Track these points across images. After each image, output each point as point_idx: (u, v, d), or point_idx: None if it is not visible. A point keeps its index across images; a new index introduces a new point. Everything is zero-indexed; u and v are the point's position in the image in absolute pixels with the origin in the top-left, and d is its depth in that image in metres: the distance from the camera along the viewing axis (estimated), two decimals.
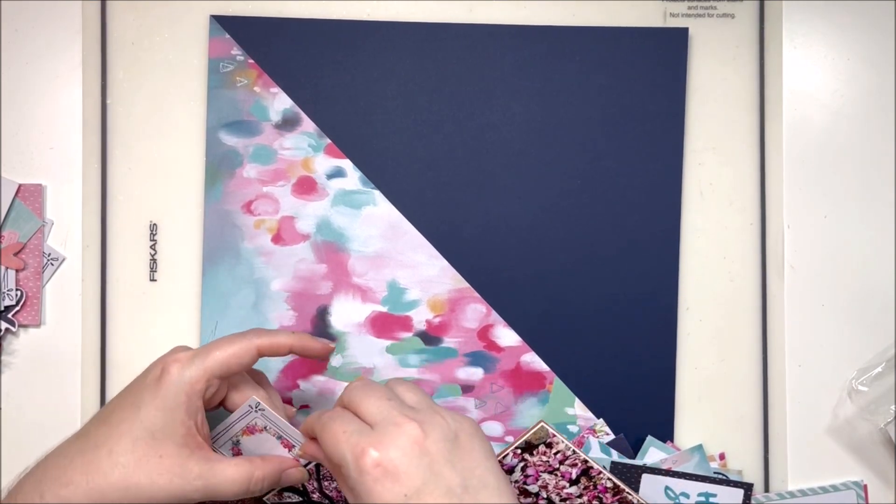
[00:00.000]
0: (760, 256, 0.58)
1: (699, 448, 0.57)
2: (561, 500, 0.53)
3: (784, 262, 0.58)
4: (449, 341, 0.58)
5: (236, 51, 0.58)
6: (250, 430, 0.49)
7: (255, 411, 0.49)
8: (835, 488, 0.57)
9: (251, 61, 0.58)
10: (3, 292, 0.57)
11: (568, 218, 0.58)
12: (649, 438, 0.57)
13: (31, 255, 0.57)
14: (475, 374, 0.58)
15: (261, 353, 0.48)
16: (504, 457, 0.52)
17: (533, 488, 0.53)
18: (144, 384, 0.47)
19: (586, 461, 0.53)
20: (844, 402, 0.57)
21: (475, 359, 0.58)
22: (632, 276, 0.58)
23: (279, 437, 0.49)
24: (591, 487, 0.53)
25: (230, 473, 0.46)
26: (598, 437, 0.57)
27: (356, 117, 0.58)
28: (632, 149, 0.58)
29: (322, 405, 0.57)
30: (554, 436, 0.52)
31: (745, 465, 0.57)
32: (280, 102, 0.58)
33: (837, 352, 0.58)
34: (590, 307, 0.57)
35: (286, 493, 0.53)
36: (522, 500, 0.53)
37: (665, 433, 0.57)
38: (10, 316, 0.57)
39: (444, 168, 0.58)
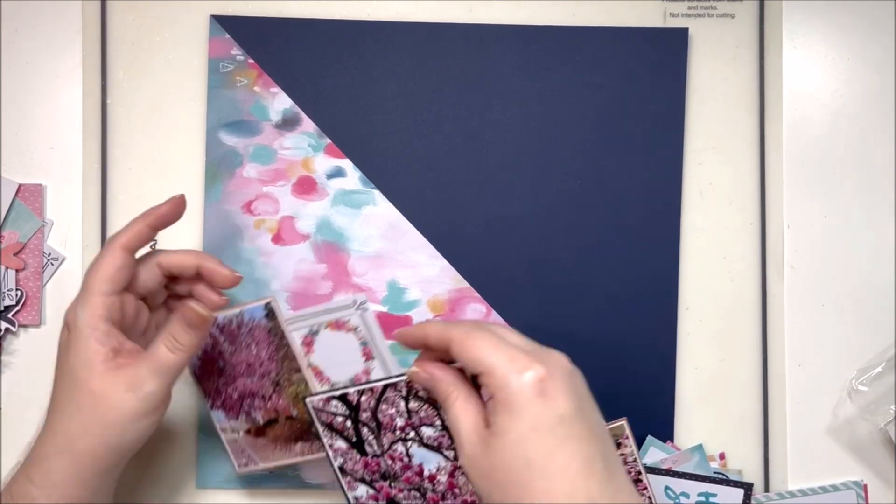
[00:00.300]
0: (760, 256, 0.58)
1: (699, 448, 0.57)
2: None
3: (784, 262, 0.58)
4: None
5: (236, 51, 0.58)
6: (337, 326, 0.48)
7: (356, 308, 0.47)
8: (835, 488, 0.57)
9: (251, 61, 0.58)
10: (3, 292, 0.57)
11: (568, 218, 0.58)
12: (649, 438, 0.57)
13: (31, 255, 0.57)
14: None
15: (162, 268, 0.50)
16: None
17: None
18: (60, 350, 0.48)
19: (640, 473, 0.53)
20: (844, 402, 0.57)
21: None
22: (632, 276, 0.58)
23: (364, 345, 0.48)
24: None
25: (147, 361, 0.47)
26: None
27: (356, 117, 0.58)
28: (632, 149, 0.58)
29: None
30: (626, 438, 0.52)
31: (745, 465, 0.57)
32: (280, 102, 0.58)
33: (837, 352, 0.58)
34: (590, 307, 0.57)
35: (333, 402, 0.49)
36: None
37: (665, 433, 0.57)
38: (10, 316, 0.57)
39: (444, 168, 0.58)
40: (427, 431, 0.49)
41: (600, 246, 0.58)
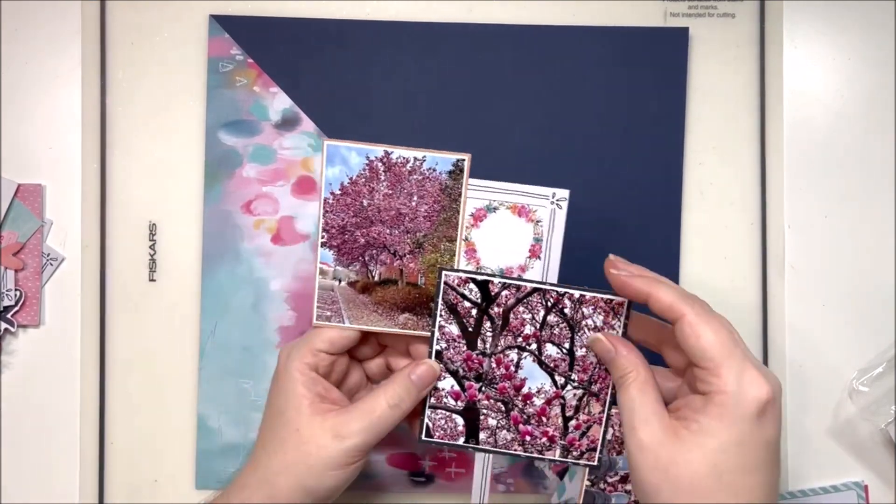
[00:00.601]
0: (761, 256, 0.58)
1: None
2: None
3: (785, 262, 0.58)
4: None
5: (235, 50, 0.58)
6: (520, 212, 0.46)
7: (552, 202, 0.45)
8: (835, 489, 0.57)
9: (250, 61, 0.58)
10: (3, 292, 0.57)
11: (568, 217, 0.58)
12: None
13: (30, 255, 0.57)
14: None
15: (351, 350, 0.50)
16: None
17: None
18: (272, 386, 0.49)
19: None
20: (845, 402, 0.57)
21: None
22: None
23: (537, 241, 0.45)
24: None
25: (360, 412, 0.46)
26: None
27: (356, 117, 0.58)
28: (632, 148, 0.58)
29: None
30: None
31: None
32: (280, 102, 0.58)
33: (838, 352, 0.58)
34: None
35: (470, 285, 0.46)
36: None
37: None
38: (9, 316, 0.57)
39: None
40: (550, 349, 0.46)
41: (600, 246, 0.58)
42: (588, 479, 0.49)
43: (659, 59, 0.58)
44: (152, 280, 0.58)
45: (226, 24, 0.58)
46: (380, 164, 0.47)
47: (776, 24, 0.59)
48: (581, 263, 0.57)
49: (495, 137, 0.58)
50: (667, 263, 0.58)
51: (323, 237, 0.48)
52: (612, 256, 0.45)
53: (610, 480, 0.49)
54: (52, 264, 0.58)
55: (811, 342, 0.58)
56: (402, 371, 0.47)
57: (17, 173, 0.58)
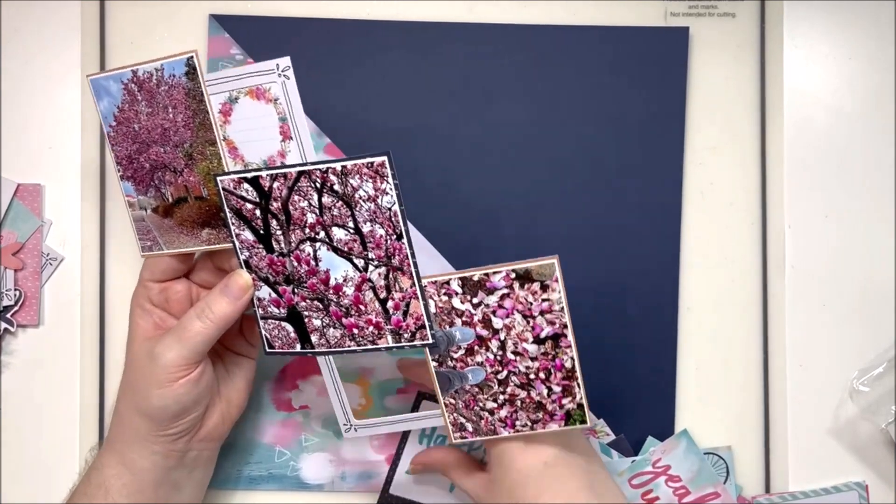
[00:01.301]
0: (761, 256, 0.58)
1: (684, 433, 0.56)
2: (513, 351, 0.46)
3: (785, 262, 0.58)
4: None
5: (235, 50, 0.58)
6: (257, 94, 0.44)
7: (279, 74, 0.44)
8: (836, 489, 0.57)
9: (250, 60, 0.58)
10: (2, 292, 0.57)
11: (568, 217, 0.58)
12: (649, 439, 0.57)
13: (29, 255, 0.57)
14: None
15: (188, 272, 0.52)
16: (495, 273, 0.45)
17: (497, 323, 0.46)
18: None
19: (566, 326, 0.45)
20: (846, 402, 0.57)
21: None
22: (632, 276, 0.57)
23: (282, 120, 0.44)
24: (550, 357, 0.46)
25: (174, 330, 0.48)
26: (598, 437, 0.57)
27: (356, 117, 0.58)
28: (632, 148, 0.58)
29: (322, 405, 0.57)
30: (556, 281, 0.45)
31: (747, 465, 0.57)
32: None
33: (839, 352, 0.58)
34: (590, 307, 0.57)
35: (244, 186, 0.45)
36: (478, 332, 0.46)
37: (665, 433, 0.57)
38: (8, 316, 0.57)
39: (445, 168, 0.58)
40: (338, 233, 0.44)
41: (600, 246, 0.58)
42: (434, 361, 0.47)
43: (659, 58, 0.58)
44: None
45: (226, 23, 0.58)
46: (133, 85, 0.46)
47: (776, 23, 0.59)
48: (581, 262, 0.58)
49: (495, 137, 0.58)
50: (667, 263, 0.58)
51: (118, 170, 0.48)
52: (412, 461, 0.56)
53: (456, 356, 0.46)
54: (51, 264, 0.58)
55: (812, 342, 0.58)
56: (217, 285, 0.48)
57: (17, 173, 0.58)
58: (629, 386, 0.57)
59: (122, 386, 0.50)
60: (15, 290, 0.57)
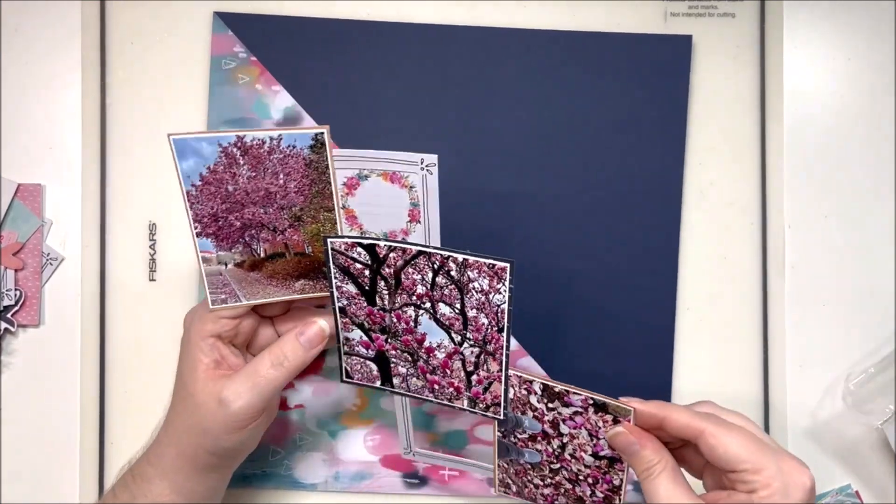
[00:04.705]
0: (761, 256, 0.58)
1: None
2: (571, 454, 0.49)
3: (785, 262, 0.58)
4: None
5: (239, 48, 0.58)
6: (392, 179, 0.47)
7: (422, 168, 0.46)
8: (837, 491, 0.57)
9: (254, 59, 0.58)
10: (3, 292, 0.57)
11: (568, 218, 0.58)
12: None
13: (30, 255, 0.57)
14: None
15: (256, 307, 0.50)
16: (575, 394, 0.47)
17: (564, 429, 0.48)
18: (181, 348, 0.50)
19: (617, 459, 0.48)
20: (844, 401, 0.57)
21: None
22: (632, 276, 0.57)
23: (414, 206, 0.46)
24: (602, 472, 0.49)
25: (244, 375, 0.47)
26: None
27: (357, 117, 0.58)
28: (633, 148, 0.58)
29: (318, 405, 0.57)
30: (628, 421, 0.47)
31: None
32: (282, 100, 0.58)
33: (838, 352, 0.58)
34: (590, 307, 0.57)
35: (357, 249, 0.46)
36: (545, 428, 0.49)
37: None
38: (9, 316, 0.57)
39: (445, 169, 0.58)
40: (444, 309, 0.47)
41: (601, 246, 0.58)
42: (499, 432, 0.51)
43: (661, 64, 0.58)
44: (152, 280, 0.58)
45: (230, 21, 0.58)
46: (235, 149, 0.46)
47: (776, 24, 0.59)
48: (581, 262, 0.58)
49: (496, 139, 0.58)
50: (667, 263, 0.58)
51: (196, 228, 0.48)
52: (623, 400, 0.47)
53: (520, 437, 0.50)
54: (51, 264, 0.58)
55: (811, 342, 0.58)
56: (290, 332, 0.48)
57: (17, 173, 0.58)
58: (629, 385, 0.57)
59: (182, 424, 0.48)
60: (15, 290, 0.57)
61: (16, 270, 0.57)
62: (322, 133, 0.46)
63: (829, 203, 0.58)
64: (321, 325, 0.48)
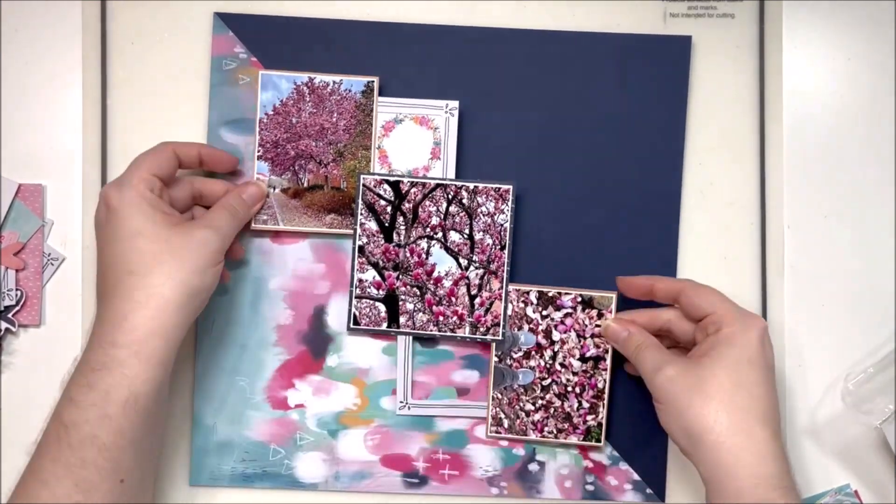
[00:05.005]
0: (760, 256, 0.58)
1: None
2: (561, 363, 0.56)
3: (784, 262, 0.58)
4: (445, 344, 0.58)
5: (239, 48, 0.58)
6: (422, 122, 0.56)
7: (446, 112, 0.56)
8: (835, 490, 0.57)
9: (254, 59, 0.58)
10: (3, 292, 0.57)
11: (568, 218, 0.58)
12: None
13: (31, 255, 0.57)
14: (471, 377, 0.58)
15: (177, 154, 0.52)
16: (566, 294, 0.55)
17: (556, 336, 0.56)
18: (100, 227, 0.50)
19: (607, 351, 0.55)
20: (844, 401, 0.57)
21: (471, 362, 0.58)
22: (632, 275, 0.57)
23: (436, 144, 0.56)
24: (588, 375, 0.55)
25: (218, 207, 0.52)
26: None
27: None
28: (633, 148, 0.58)
29: (317, 404, 0.57)
30: (610, 312, 0.55)
31: None
32: None
33: (838, 352, 0.58)
34: None
35: (384, 186, 0.55)
36: (539, 340, 0.56)
37: (664, 433, 0.57)
38: (10, 316, 0.57)
39: None
40: (454, 236, 0.56)
41: (601, 246, 0.58)
42: (496, 356, 0.56)
43: (661, 65, 0.58)
44: None
45: (230, 21, 0.58)
46: (305, 87, 0.56)
47: (776, 24, 0.59)
48: (581, 261, 0.58)
49: (496, 139, 0.58)
50: (666, 263, 0.58)
51: (259, 151, 0.56)
52: (619, 280, 0.55)
53: (515, 356, 0.56)
54: (52, 264, 0.58)
55: (810, 342, 0.58)
56: (232, 191, 0.54)
57: (18, 173, 0.58)
58: (633, 385, 0.57)
59: (160, 272, 0.48)
60: (16, 290, 0.57)
61: (17, 270, 0.57)
62: (373, 81, 0.56)
63: (829, 203, 0.58)
64: (258, 181, 0.56)
